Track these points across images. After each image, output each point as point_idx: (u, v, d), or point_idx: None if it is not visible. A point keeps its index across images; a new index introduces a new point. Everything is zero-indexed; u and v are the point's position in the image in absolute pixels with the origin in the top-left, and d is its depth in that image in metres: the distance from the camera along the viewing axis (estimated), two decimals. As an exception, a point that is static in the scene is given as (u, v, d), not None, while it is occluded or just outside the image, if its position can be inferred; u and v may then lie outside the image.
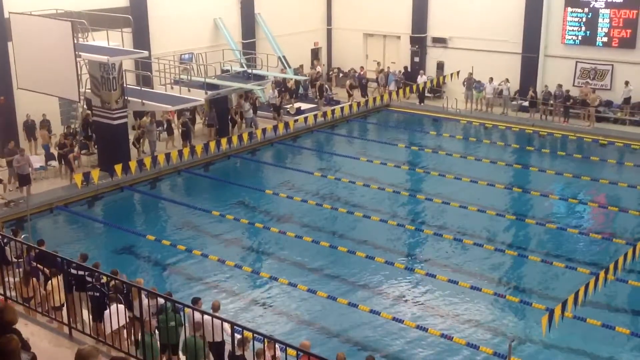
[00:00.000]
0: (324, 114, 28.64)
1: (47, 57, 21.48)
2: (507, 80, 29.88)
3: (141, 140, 24.49)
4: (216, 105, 26.38)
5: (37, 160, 22.47)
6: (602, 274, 14.63)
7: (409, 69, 33.24)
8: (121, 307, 10.80)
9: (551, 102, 28.78)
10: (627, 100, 28.02)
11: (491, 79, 29.90)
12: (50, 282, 11.99)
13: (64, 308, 11.31)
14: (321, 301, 15.51)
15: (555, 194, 22.06)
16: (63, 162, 22.36)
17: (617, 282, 15.59)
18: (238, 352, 10.43)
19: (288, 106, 29.95)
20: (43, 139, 23.57)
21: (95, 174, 21.22)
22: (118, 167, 21.40)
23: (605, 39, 28.53)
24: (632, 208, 20.42)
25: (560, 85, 28.69)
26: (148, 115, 24.51)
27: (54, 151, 22.91)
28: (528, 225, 19.66)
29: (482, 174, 23.12)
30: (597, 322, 14.28)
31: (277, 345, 10.81)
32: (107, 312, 10.89)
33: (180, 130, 25.61)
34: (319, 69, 34.51)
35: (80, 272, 11.58)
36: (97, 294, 11.56)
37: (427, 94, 31.99)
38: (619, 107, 28.45)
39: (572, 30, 29.14)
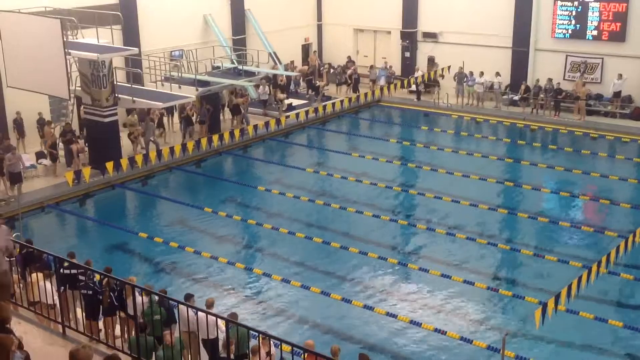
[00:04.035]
0: (316, 110, 28.62)
1: (36, 55, 21.33)
2: (497, 74, 29.94)
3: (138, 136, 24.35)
4: (208, 102, 26.29)
5: (27, 159, 22.34)
6: (594, 267, 14.67)
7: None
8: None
9: (542, 95, 28.86)
10: (617, 94, 28.12)
11: (482, 73, 29.93)
12: (31, 276, 11.98)
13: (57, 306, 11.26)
14: (315, 297, 15.50)
15: (547, 188, 22.13)
16: (57, 158, 22.31)
17: (609, 275, 15.65)
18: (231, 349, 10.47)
19: (281, 100, 29.82)
20: (47, 136, 23.20)
21: (87, 171, 21.13)
22: (109, 165, 21.31)
23: (595, 33, 28.61)
24: (623, 201, 20.51)
25: (550, 79, 28.77)
26: (135, 112, 24.41)
27: (46, 149, 22.82)
28: (520, 219, 19.73)
29: (473, 169, 23.16)
30: (589, 315, 14.34)
31: (271, 342, 10.83)
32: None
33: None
34: (314, 62, 34.53)
35: (73, 271, 11.55)
36: (90, 292, 11.52)
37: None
38: (609, 100, 28.56)
39: (562, 24, 29.21)
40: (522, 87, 29.36)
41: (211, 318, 10.58)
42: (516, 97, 29.70)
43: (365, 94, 30.77)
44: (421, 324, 14.35)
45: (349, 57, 34.41)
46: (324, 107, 29.02)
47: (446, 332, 14.05)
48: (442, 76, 31.04)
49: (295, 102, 30.39)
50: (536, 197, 21.57)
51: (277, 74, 30.78)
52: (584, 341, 13.90)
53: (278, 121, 26.80)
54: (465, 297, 15.64)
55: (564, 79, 29.24)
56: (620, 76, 27.76)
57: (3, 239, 10.18)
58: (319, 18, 35.96)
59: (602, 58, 28.64)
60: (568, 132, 27.33)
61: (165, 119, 26.58)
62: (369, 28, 34.92)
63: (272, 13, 32.43)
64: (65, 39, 21.03)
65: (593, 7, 28.41)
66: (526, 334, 14.12)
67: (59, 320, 10.70)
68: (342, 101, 29.94)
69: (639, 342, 13.90)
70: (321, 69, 35.14)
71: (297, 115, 27.88)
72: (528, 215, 19.73)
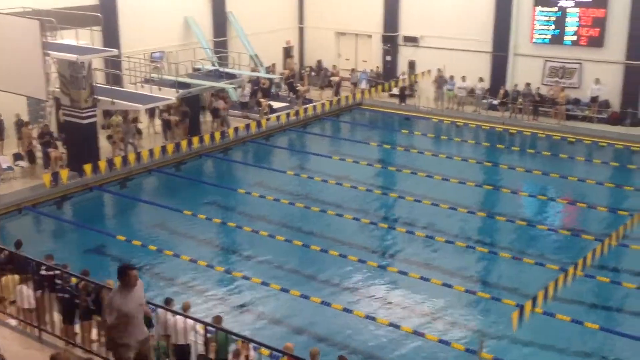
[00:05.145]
0: (297, 113, 28.63)
1: (14, 56, 21.09)
2: (481, 79, 30.14)
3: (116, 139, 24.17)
4: (188, 104, 26.21)
5: (5, 161, 22.13)
6: (571, 270, 14.84)
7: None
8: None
9: (520, 100, 29.10)
10: (594, 99, 28.41)
11: (464, 78, 30.10)
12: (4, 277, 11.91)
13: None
14: (294, 300, 15.49)
15: (525, 191, 22.33)
16: (35, 160, 22.11)
17: (585, 278, 15.81)
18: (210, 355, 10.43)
19: (263, 103, 29.76)
20: (25, 138, 22.99)
21: (64, 173, 20.96)
22: (87, 167, 21.17)
23: (573, 38, 28.90)
24: (600, 204, 20.74)
25: (528, 84, 29.01)
26: (119, 113, 24.28)
27: (23, 151, 22.63)
28: (498, 222, 19.87)
29: (453, 172, 23.29)
30: (566, 318, 14.47)
31: (251, 346, 10.81)
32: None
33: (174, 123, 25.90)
34: (292, 66, 34.60)
35: (51, 272, 11.46)
36: (67, 296, 11.42)
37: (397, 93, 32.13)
38: (586, 105, 28.85)
39: (541, 29, 29.47)
40: (501, 91, 29.59)
41: (188, 322, 10.55)
42: (495, 102, 29.92)
43: (347, 97, 30.83)
44: (400, 326, 14.40)
45: (318, 62, 34.61)
46: (305, 109, 29.06)
47: (424, 334, 14.12)
48: (442, 82, 30.80)
49: (276, 104, 30.36)
50: (514, 200, 21.76)
51: (260, 78, 30.77)
52: (561, 343, 14.02)
53: (259, 124, 26.78)
54: (443, 299, 15.72)
55: (542, 83, 29.50)
56: (597, 81, 28.07)
57: (142, 296, 8.40)
58: (301, 21, 35.98)
59: (581, 63, 28.93)
60: (546, 137, 27.57)
61: (142, 124, 26.39)
62: (351, 31, 35.01)
63: (254, 15, 32.36)
64: (44, 40, 20.86)
65: (572, 13, 28.69)
66: (503, 336, 14.21)
67: (35, 324, 10.62)
68: (323, 104, 29.98)
69: (615, 345, 14.06)
70: (302, 72, 35.19)
71: (278, 117, 27.88)
72: (506, 219, 19.86)
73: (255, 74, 30.60)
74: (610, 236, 16.37)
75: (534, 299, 13.58)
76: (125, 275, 8.07)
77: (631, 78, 27.98)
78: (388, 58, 33.61)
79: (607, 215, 20.14)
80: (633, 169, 24.19)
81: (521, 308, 13.34)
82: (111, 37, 26.50)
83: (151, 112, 26.64)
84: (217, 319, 11.52)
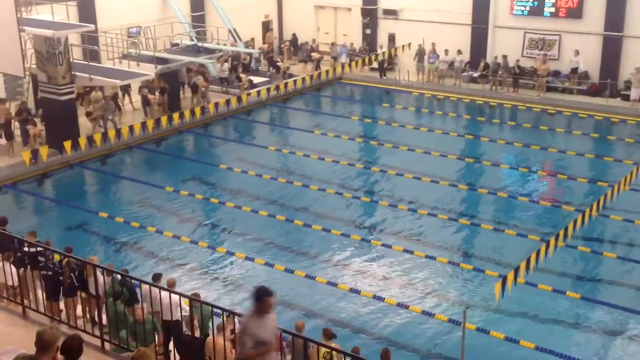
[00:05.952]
0: (277, 88, 28.45)
1: (-11, 32, 20.74)
2: (459, 52, 30.12)
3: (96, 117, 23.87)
4: (167, 80, 25.93)
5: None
6: (552, 241, 14.98)
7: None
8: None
9: (500, 72, 29.13)
10: (574, 70, 28.53)
11: (447, 51, 30.02)
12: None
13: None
14: (279, 274, 15.53)
15: (506, 163, 22.46)
16: (13, 137, 21.81)
17: (566, 248, 15.99)
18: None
19: (243, 78, 29.50)
20: (2, 115, 22.65)
21: (44, 151, 20.72)
22: (67, 144, 20.94)
23: (552, 9, 28.91)
24: (580, 175, 20.93)
25: (505, 56, 29.01)
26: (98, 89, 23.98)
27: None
28: (480, 194, 20.00)
29: (434, 145, 23.37)
30: (548, 288, 14.66)
31: (236, 319, 10.82)
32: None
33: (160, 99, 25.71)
34: (271, 41, 34.34)
35: (33, 249, 11.40)
36: (50, 273, 11.37)
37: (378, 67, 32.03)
38: (566, 76, 28.97)
39: (521, 1, 29.45)
40: (482, 64, 29.61)
41: (173, 298, 10.53)
42: (475, 74, 29.94)
43: (327, 72, 30.67)
44: (384, 298, 14.51)
45: (294, 35, 34.70)
46: (285, 84, 28.89)
47: (408, 306, 14.24)
48: (423, 55, 30.58)
49: (256, 79, 30.14)
50: (495, 172, 21.88)
51: (240, 53, 30.47)
52: (543, 313, 14.19)
53: (239, 99, 26.60)
54: (427, 271, 15.84)
55: (522, 55, 29.53)
56: (577, 53, 28.18)
57: (275, 324, 7.53)
58: (279, -6, 35.65)
59: (560, 35, 28.99)
60: (526, 109, 27.66)
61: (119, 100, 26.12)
62: (330, 5, 34.74)
63: (232, -11, 31.98)
64: (19, 16, 20.49)
65: (551, -16, 28.72)
66: (486, 307, 14.37)
67: (19, 301, 10.55)
68: (303, 78, 29.82)
69: (596, 314, 14.28)
70: (281, 46, 34.93)
71: (259, 92, 27.70)
72: (488, 191, 20.01)
73: (235, 48, 30.32)
74: (591, 207, 16.53)
75: (516, 270, 13.70)
76: (261, 302, 7.28)
77: (610, 49, 28.11)
78: (368, 31, 33.43)
79: (588, 186, 20.34)
80: (612, 140, 24.39)
81: (504, 279, 13.45)
82: (87, 12, 26.10)
83: (125, 89, 26.29)
84: (195, 296, 11.51)
